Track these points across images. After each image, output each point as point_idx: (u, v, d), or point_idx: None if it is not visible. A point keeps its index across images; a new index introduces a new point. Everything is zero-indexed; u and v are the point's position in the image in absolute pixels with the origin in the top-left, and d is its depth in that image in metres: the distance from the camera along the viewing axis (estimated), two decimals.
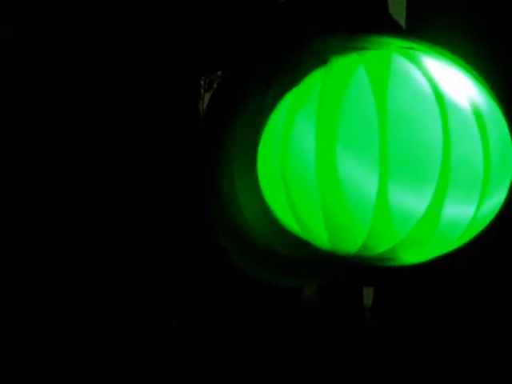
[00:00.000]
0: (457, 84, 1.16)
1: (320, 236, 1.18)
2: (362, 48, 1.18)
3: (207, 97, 1.46)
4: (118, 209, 1.36)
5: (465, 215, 1.16)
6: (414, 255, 1.21)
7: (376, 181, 1.11)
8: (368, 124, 1.11)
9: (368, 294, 1.58)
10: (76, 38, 1.32)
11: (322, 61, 1.17)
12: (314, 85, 1.16)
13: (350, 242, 1.18)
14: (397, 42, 1.20)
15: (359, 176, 1.12)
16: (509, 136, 1.19)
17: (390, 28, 1.26)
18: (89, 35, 1.33)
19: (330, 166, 1.12)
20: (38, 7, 1.31)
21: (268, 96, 1.20)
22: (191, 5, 1.36)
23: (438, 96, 1.13)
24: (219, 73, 1.51)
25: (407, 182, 1.12)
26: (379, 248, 1.19)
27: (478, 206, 1.16)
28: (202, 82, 1.58)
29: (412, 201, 1.13)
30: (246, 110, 1.23)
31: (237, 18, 1.34)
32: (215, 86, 1.49)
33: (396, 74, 1.14)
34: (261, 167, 1.21)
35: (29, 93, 1.32)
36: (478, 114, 1.15)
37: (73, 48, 1.33)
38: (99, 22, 1.33)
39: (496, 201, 1.19)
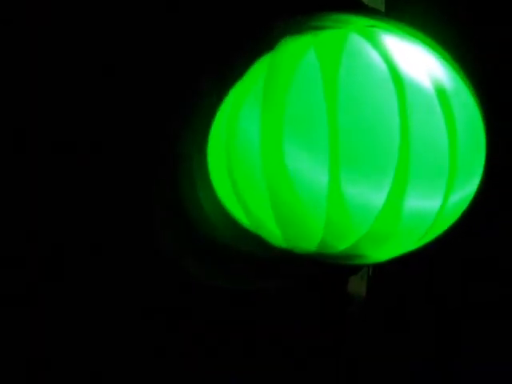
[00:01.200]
0: (420, 64, 1.05)
1: (273, 233, 1.09)
2: (319, 28, 1.09)
3: None
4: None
5: (430, 208, 1.05)
6: (379, 252, 1.11)
7: (327, 172, 1.02)
8: (317, 110, 1.01)
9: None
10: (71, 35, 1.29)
11: (268, 47, 1.07)
12: (260, 72, 1.07)
13: (307, 240, 1.08)
14: (357, 21, 1.10)
15: (309, 167, 1.02)
16: (480, 120, 1.09)
17: (354, 6, 1.16)
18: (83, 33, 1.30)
19: (277, 157, 1.03)
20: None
21: (216, 92, 1.11)
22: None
23: (396, 78, 1.02)
24: None
25: (362, 173, 1.02)
26: (340, 245, 1.09)
27: (445, 198, 1.05)
28: None
29: (369, 193, 1.03)
30: (199, 109, 1.15)
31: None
32: None
33: (349, 55, 1.04)
34: (211, 162, 1.12)
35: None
36: (443, 96, 1.04)
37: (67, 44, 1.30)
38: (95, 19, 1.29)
39: (466, 192, 1.08)
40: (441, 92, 1.04)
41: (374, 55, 1.04)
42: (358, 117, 1.01)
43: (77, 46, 1.28)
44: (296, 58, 1.05)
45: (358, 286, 1.32)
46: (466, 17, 1.32)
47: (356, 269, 1.23)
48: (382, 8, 1.33)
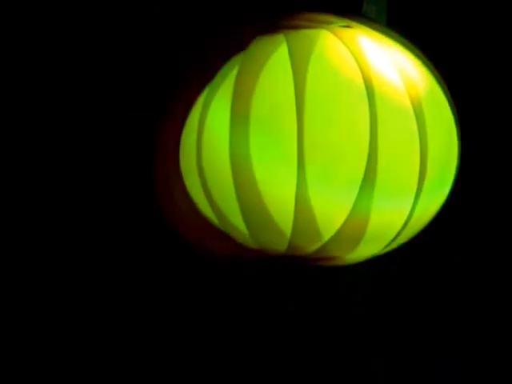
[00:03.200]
0: (394, 66, 1.04)
1: (242, 233, 1.08)
2: (292, 27, 1.08)
3: None
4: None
5: (399, 211, 1.04)
6: (351, 253, 1.09)
7: (294, 173, 1.00)
8: (284, 109, 1.00)
9: None
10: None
11: (240, 47, 1.06)
12: (230, 71, 1.06)
13: (275, 241, 1.07)
14: (332, 20, 1.08)
15: (275, 169, 1.01)
16: (454, 125, 1.07)
17: (333, 5, 1.15)
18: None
19: (244, 157, 1.01)
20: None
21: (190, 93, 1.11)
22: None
23: (367, 78, 1.01)
24: None
25: (329, 175, 1.00)
26: (309, 247, 1.08)
27: (415, 202, 1.04)
28: None
29: (336, 197, 1.01)
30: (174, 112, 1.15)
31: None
32: None
33: (320, 54, 1.02)
34: (182, 160, 1.11)
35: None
36: (416, 99, 1.03)
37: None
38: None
39: (437, 195, 1.07)
40: (413, 95, 1.03)
41: (346, 55, 1.03)
42: (325, 116, 1.00)
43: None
44: (266, 56, 1.04)
45: None
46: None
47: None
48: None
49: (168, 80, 1.16)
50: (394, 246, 1.10)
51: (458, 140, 1.08)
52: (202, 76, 1.09)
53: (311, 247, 1.08)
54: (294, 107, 0.99)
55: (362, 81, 1.01)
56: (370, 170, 1.00)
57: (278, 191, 1.02)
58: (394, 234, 1.07)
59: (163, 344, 1.33)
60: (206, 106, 1.06)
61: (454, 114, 1.07)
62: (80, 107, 1.30)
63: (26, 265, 1.29)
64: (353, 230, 1.04)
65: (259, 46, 1.06)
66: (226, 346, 1.36)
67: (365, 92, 1.00)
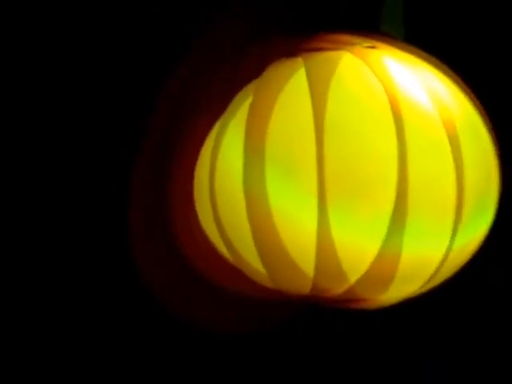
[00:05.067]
0: (424, 89, 0.94)
1: (260, 273, 0.98)
2: (310, 50, 0.98)
3: None
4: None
5: (434, 250, 0.94)
6: (381, 296, 0.99)
7: (314, 210, 0.91)
8: (303, 138, 0.91)
9: None
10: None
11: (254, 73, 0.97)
12: (244, 100, 0.97)
13: (297, 282, 0.97)
14: (355, 41, 0.99)
15: (294, 205, 0.91)
16: (492, 152, 0.97)
17: (356, 24, 1.05)
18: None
19: (259, 192, 0.92)
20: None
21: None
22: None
23: (395, 103, 0.91)
24: None
25: (353, 213, 0.90)
26: (335, 289, 0.98)
27: (452, 239, 0.94)
28: None
29: (362, 235, 0.91)
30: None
31: None
32: None
33: (341, 78, 0.93)
34: (196, 194, 1.03)
35: None
36: (449, 125, 0.93)
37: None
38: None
39: (477, 229, 0.97)
40: (448, 121, 0.93)
41: (371, 78, 0.93)
42: (348, 145, 0.90)
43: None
44: (282, 82, 0.95)
45: None
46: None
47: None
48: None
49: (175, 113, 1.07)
50: (433, 284, 1.00)
51: (498, 166, 0.98)
52: (213, 108, 1.01)
53: (337, 289, 0.98)
54: (314, 138, 0.90)
55: (388, 108, 0.91)
56: (400, 207, 0.90)
57: (297, 229, 0.93)
58: (429, 274, 0.96)
59: None
60: (218, 140, 0.97)
61: (492, 139, 0.98)
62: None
63: None
64: (382, 270, 0.94)
65: (275, 71, 0.97)
66: None
67: (392, 120, 0.91)
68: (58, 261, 1.15)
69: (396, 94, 0.92)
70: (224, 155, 0.96)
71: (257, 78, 0.98)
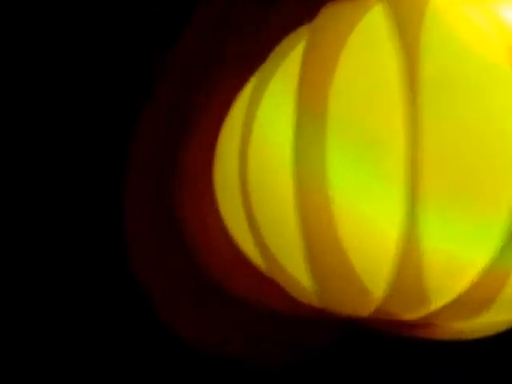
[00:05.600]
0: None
1: (302, 285, 0.70)
2: None
3: None
4: None
5: None
6: (464, 323, 0.72)
7: (400, 206, 0.63)
8: (386, 101, 0.62)
9: None
10: None
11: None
12: (290, 50, 0.68)
13: (356, 303, 0.70)
14: None
15: (367, 196, 0.63)
16: None
17: None
18: None
19: (316, 177, 0.64)
20: None
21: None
22: None
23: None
24: None
25: (458, 212, 0.62)
26: (410, 313, 0.70)
27: None
28: None
29: (468, 244, 0.64)
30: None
31: None
32: None
33: (438, 14, 0.64)
34: (218, 180, 0.74)
35: None
36: None
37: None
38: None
39: None
40: None
41: (476, 17, 0.65)
42: (458, 119, 0.62)
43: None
44: (350, 24, 0.66)
45: None
46: None
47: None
48: None
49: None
50: None
51: None
52: (243, 63, 0.72)
53: (411, 314, 0.70)
54: (402, 100, 0.61)
55: (505, 54, 0.63)
56: None
57: (368, 233, 0.65)
58: None
59: None
60: (252, 105, 0.68)
61: None
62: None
63: None
64: (483, 292, 0.67)
65: (337, 9, 0.68)
66: None
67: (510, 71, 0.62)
68: (56, 267, 0.91)
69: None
70: (263, 128, 0.67)
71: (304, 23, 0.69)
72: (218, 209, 0.76)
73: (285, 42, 0.71)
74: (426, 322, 0.73)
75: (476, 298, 0.67)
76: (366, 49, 0.65)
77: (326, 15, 0.69)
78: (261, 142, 0.67)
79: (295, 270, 0.70)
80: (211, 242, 0.79)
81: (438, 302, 0.68)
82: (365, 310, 0.71)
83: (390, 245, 0.64)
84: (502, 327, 0.75)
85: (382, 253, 0.65)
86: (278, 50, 0.70)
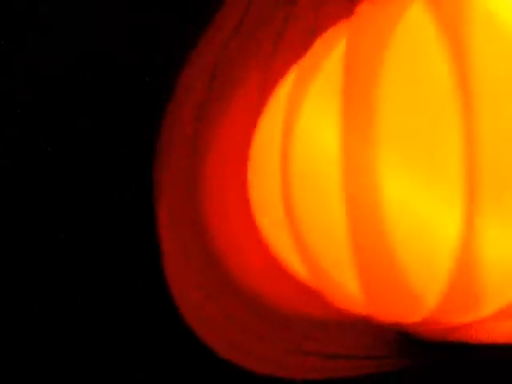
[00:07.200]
0: None
1: (348, 293, 0.68)
2: None
3: None
4: None
5: None
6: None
7: (457, 211, 0.60)
8: (437, 103, 0.60)
9: None
10: None
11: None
12: (330, 49, 0.66)
13: (405, 310, 0.67)
14: None
15: (423, 204, 0.61)
16: None
17: None
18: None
19: (368, 183, 0.61)
20: None
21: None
22: None
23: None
24: None
25: None
26: (461, 317, 0.68)
27: None
28: None
29: None
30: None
31: None
32: None
33: (486, 11, 0.62)
34: (252, 180, 0.71)
35: None
36: None
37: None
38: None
39: None
40: None
41: None
42: (510, 120, 0.59)
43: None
44: (394, 20, 0.63)
45: None
46: None
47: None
48: None
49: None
50: None
51: None
52: (276, 61, 0.69)
53: (461, 319, 0.68)
54: (456, 103, 0.59)
55: None
56: None
57: (422, 237, 0.62)
58: None
59: None
60: (292, 107, 0.65)
61: None
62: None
63: None
64: None
65: (375, 10, 0.65)
66: None
67: None
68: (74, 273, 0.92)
69: None
70: (306, 123, 0.65)
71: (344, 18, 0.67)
72: (249, 216, 0.74)
73: (321, 43, 0.68)
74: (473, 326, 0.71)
75: None
76: (412, 51, 0.63)
77: (363, 15, 0.67)
78: (305, 145, 0.65)
79: (341, 275, 0.68)
80: (242, 252, 0.76)
81: (489, 309, 0.66)
82: (413, 317, 0.68)
83: (445, 251, 0.62)
84: None
85: (436, 259, 0.63)
86: (317, 48, 0.67)
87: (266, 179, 0.70)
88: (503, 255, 0.62)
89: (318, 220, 0.66)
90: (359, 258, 0.65)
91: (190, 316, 0.74)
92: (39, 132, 0.90)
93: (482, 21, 0.62)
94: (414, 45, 0.63)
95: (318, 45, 0.67)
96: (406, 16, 0.65)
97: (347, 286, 0.68)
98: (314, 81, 0.66)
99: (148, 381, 0.92)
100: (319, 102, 0.65)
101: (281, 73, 0.69)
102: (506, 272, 0.63)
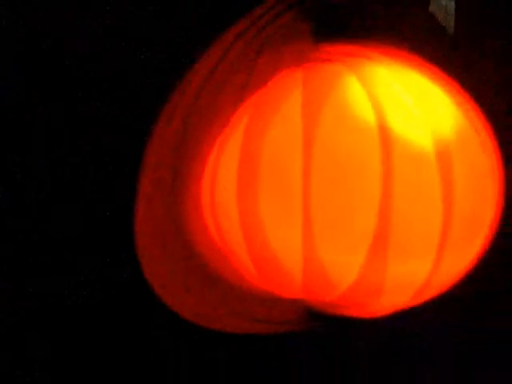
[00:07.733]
0: (416, 107, 0.93)
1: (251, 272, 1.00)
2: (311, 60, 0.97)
3: None
4: None
5: (419, 268, 0.94)
6: (374, 305, 1.01)
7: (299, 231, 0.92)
8: (293, 153, 0.91)
9: None
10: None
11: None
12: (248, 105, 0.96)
13: (287, 286, 0.99)
14: (354, 51, 0.97)
15: (284, 225, 0.93)
16: (487, 172, 0.95)
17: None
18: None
19: (252, 209, 0.93)
20: None
21: None
22: None
23: (382, 124, 0.90)
24: None
25: (336, 229, 0.91)
26: (325, 296, 1.00)
27: (437, 259, 0.93)
28: None
29: (347, 258, 0.93)
30: None
31: None
32: None
33: (334, 95, 0.92)
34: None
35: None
36: (442, 150, 0.91)
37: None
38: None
39: (466, 251, 0.96)
40: (439, 141, 0.92)
41: (362, 97, 0.92)
42: (335, 167, 0.90)
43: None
44: (281, 96, 0.94)
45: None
46: None
47: None
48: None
49: None
50: (426, 298, 1.00)
51: (497, 186, 0.97)
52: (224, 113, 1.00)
53: (328, 296, 1.00)
54: (301, 155, 0.91)
55: (377, 131, 0.90)
56: (382, 227, 0.90)
57: (286, 247, 0.94)
58: (417, 289, 0.97)
59: None
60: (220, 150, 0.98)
61: (491, 159, 0.96)
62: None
63: None
64: (370, 282, 0.95)
65: (279, 82, 0.96)
66: None
67: (378, 142, 0.90)
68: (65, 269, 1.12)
69: (383, 114, 0.91)
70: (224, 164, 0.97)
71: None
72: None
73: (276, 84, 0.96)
74: (345, 304, 1.02)
75: (368, 284, 0.95)
76: (289, 115, 0.92)
77: (272, 84, 0.97)
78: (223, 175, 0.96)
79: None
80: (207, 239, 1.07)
81: (341, 287, 0.96)
82: (295, 292, 1.00)
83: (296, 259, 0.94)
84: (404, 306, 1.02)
85: (296, 261, 0.94)
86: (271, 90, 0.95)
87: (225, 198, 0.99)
88: (336, 253, 0.92)
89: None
90: (253, 257, 0.97)
91: (158, 287, 1.06)
92: (39, 132, 1.06)
93: (330, 103, 0.92)
94: (292, 113, 0.95)
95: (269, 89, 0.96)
96: (295, 91, 0.95)
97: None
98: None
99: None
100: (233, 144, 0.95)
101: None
102: (341, 264, 0.93)
